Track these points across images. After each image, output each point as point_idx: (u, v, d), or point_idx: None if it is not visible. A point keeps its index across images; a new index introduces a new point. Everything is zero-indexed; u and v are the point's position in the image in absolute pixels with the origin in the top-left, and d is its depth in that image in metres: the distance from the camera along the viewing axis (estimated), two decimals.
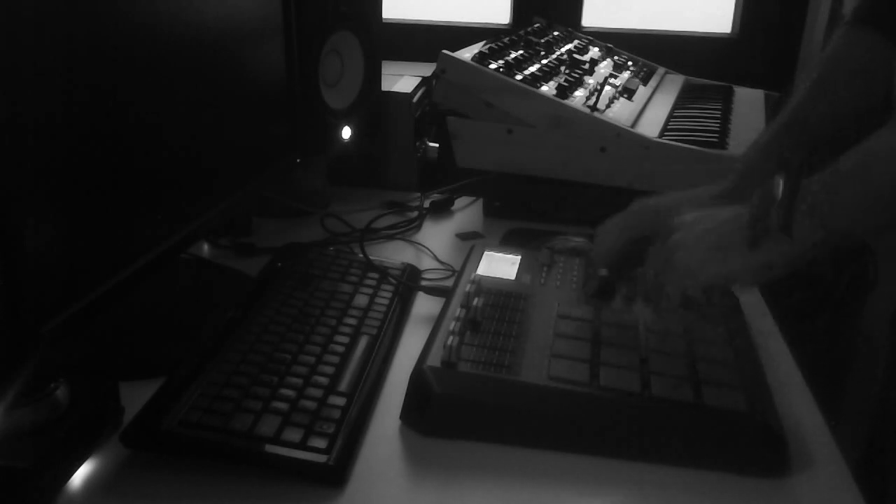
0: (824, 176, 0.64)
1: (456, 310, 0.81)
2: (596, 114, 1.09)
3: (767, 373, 0.77)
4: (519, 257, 0.94)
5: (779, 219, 0.64)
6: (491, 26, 1.75)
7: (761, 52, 1.70)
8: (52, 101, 0.62)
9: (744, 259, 0.67)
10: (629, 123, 1.11)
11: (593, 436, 0.69)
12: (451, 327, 0.76)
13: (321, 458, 0.64)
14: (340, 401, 0.70)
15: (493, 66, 1.13)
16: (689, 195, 0.82)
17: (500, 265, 0.92)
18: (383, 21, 1.20)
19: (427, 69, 1.30)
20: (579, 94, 1.15)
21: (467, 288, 0.84)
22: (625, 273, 0.83)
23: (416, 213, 1.18)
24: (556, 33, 1.46)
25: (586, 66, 1.29)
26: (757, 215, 0.65)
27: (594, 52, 1.44)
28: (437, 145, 1.31)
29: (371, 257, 0.96)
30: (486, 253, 0.95)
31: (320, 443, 0.65)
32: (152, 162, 0.76)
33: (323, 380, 0.72)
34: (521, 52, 1.24)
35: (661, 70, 1.48)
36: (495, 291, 0.85)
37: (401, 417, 0.72)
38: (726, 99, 1.35)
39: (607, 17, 1.75)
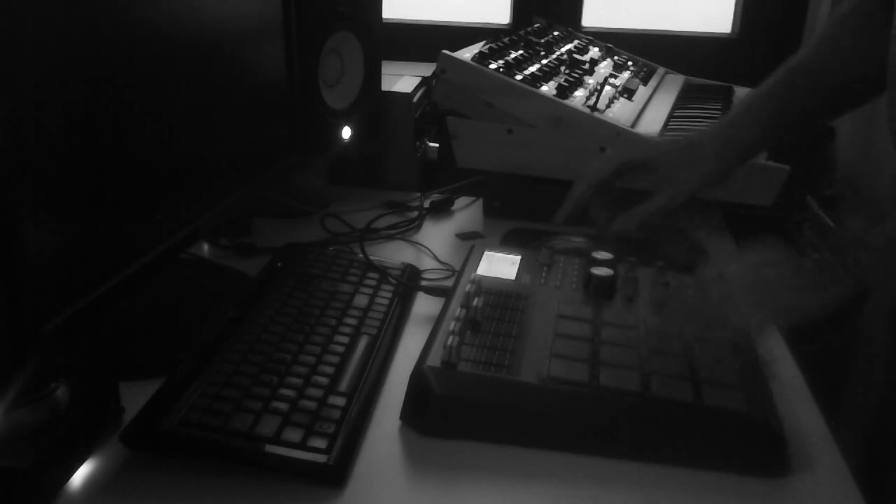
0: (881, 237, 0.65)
1: (456, 310, 0.81)
2: (596, 114, 1.09)
3: (767, 373, 0.77)
4: (519, 257, 0.94)
5: (838, 258, 0.64)
6: (491, 26, 1.75)
7: (761, 52, 1.69)
8: (51, 101, 0.62)
9: (799, 301, 0.68)
10: (629, 123, 1.11)
11: (593, 436, 0.69)
12: (451, 327, 0.76)
13: (321, 458, 0.64)
14: (340, 401, 0.70)
15: (493, 66, 1.12)
16: (677, 139, 0.85)
17: (500, 265, 0.92)
18: (383, 21, 1.20)
19: (427, 69, 1.30)
20: (579, 94, 1.15)
21: (467, 288, 0.84)
22: (605, 200, 0.85)
23: (416, 213, 1.18)
24: (556, 33, 1.46)
25: (586, 66, 1.29)
26: (804, 245, 0.67)
27: (594, 52, 1.44)
28: (437, 145, 1.31)
29: (371, 257, 0.96)
30: (486, 253, 0.95)
31: (320, 443, 0.65)
32: (152, 162, 0.76)
33: (323, 380, 0.72)
34: (521, 52, 1.24)
35: (661, 70, 1.48)
36: (495, 291, 0.85)
37: (401, 417, 0.72)
38: (726, 99, 1.35)
39: (607, 17, 1.74)
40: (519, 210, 1.16)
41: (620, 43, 1.52)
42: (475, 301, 0.80)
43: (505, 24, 1.75)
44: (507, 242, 1.08)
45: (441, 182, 1.25)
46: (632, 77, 1.31)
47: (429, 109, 1.32)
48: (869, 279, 0.64)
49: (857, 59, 0.83)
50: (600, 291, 0.85)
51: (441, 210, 1.21)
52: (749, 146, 0.87)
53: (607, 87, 1.18)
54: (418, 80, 1.30)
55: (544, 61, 1.25)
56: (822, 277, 0.66)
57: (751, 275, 0.71)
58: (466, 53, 1.14)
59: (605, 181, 0.87)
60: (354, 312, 0.85)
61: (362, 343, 0.80)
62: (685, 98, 1.35)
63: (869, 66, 0.80)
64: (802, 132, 0.73)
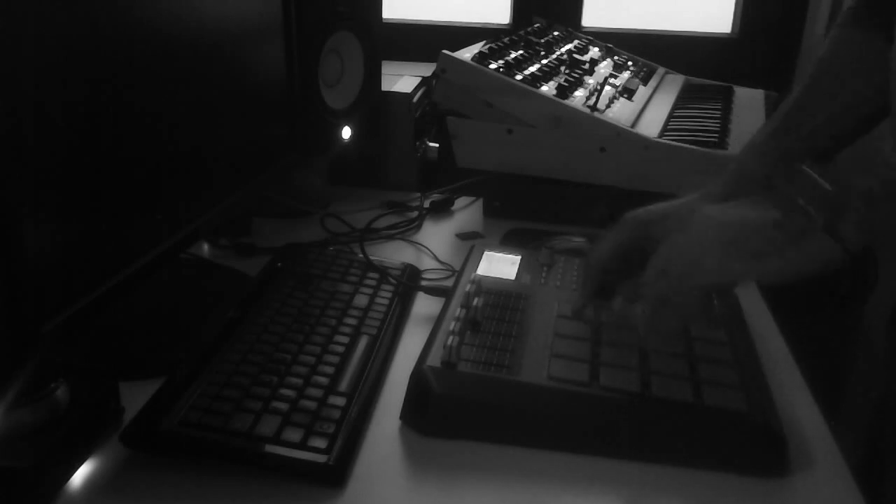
0: (882, 185, 0.62)
1: (456, 310, 0.81)
2: (596, 114, 1.09)
3: (767, 373, 0.77)
4: (519, 257, 0.94)
5: (825, 218, 0.62)
6: (491, 26, 1.75)
7: (761, 52, 1.70)
8: (51, 101, 0.62)
9: (778, 259, 0.65)
10: (629, 123, 1.11)
11: (593, 436, 0.69)
12: (451, 327, 0.76)
13: (321, 458, 0.64)
14: (340, 401, 0.70)
15: (493, 66, 1.12)
16: (679, 203, 0.80)
17: (500, 265, 0.92)
18: (383, 21, 1.20)
19: (427, 69, 1.30)
20: (579, 94, 1.15)
21: (467, 288, 0.84)
22: (619, 281, 0.82)
23: (416, 213, 1.18)
24: (556, 33, 1.46)
25: (586, 66, 1.29)
26: (795, 211, 0.63)
27: (594, 52, 1.44)
28: (437, 145, 1.31)
29: (371, 257, 0.96)
30: (486, 253, 0.95)
31: (320, 443, 0.65)
32: (152, 162, 0.76)
33: (323, 380, 0.72)
34: (521, 52, 1.24)
35: (661, 70, 1.48)
36: (495, 291, 0.85)
37: (401, 417, 0.72)
38: (726, 99, 1.35)
39: (607, 17, 1.75)
40: (519, 210, 1.16)
41: (620, 43, 1.52)
42: (475, 301, 0.80)
43: (505, 24, 1.75)
44: (507, 242, 1.08)
45: (441, 182, 1.25)
46: (632, 77, 1.31)
47: (429, 109, 1.32)
48: (869, 243, 0.61)
49: (848, 104, 0.82)
50: (600, 292, 0.85)
51: (441, 210, 1.21)
52: None
53: (607, 87, 1.18)
54: (418, 80, 1.30)
55: (544, 61, 1.25)
56: (806, 237, 0.63)
57: (728, 223, 0.67)
58: (466, 53, 1.14)
59: (609, 264, 0.81)
60: (354, 312, 0.85)
61: (362, 343, 0.80)
62: (685, 98, 1.35)
63: (869, 98, 0.79)
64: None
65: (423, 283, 0.98)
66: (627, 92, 1.22)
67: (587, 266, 0.81)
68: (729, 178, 0.82)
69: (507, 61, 1.16)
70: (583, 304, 0.81)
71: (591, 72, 1.28)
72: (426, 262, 1.05)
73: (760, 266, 0.65)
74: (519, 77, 1.12)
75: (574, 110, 1.08)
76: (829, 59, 0.84)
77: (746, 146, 0.86)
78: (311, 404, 0.69)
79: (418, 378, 0.71)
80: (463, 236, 1.13)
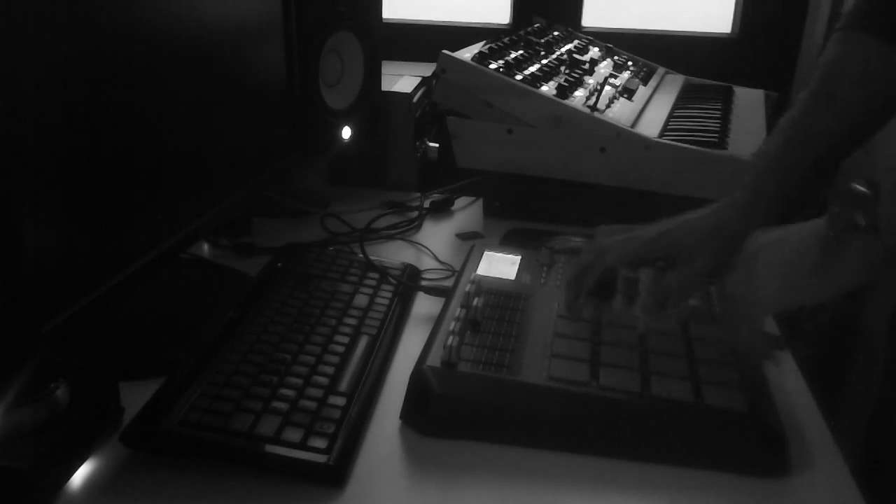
0: None
1: (456, 310, 0.81)
2: (596, 114, 1.09)
3: (767, 373, 0.77)
4: (519, 257, 0.94)
5: (867, 219, 0.62)
6: (491, 26, 1.75)
7: (761, 52, 1.69)
8: (51, 101, 0.62)
9: (826, 281, 0.65)
10: (629, 123, 1.11)
11: (593, 436, 0.69)
12: (451, 327, 0.76)
13: (321, 458, 0.64)
14: (340, 401, 0.70)
15: (493, 66, 1.12)
16: (704, 216, 0.80)
17: (500, 265, 0.92)
18: (383, 21, 1.20)
19: (427, 69, 1.31)
20: (579, 94, 1.15)
21: (467, 288, 0.84)
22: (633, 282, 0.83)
23: (416, 213, 1.18)
24: (556, 33, 1.46)
25: (586, 66, 1.29)
26: (839, 217, 0.63)
27: (594, 52, 1.44)
28: (437, 145, 1.31)
29: (371, 257, 0.96)
30: (486, 253, 0.95)
31: (320, 443, 0.65)
32: (152, 162, 0.76)
33: (323, 380, 0.72)
34: (521, 52, 1.24)
35: (661, 70, 1.48)
36: (495, 291, 0.85)
37: (401, 417, 0.72)
38: (726, 99, 1.35)
39: (607, 17, 1.75)
40: (519, 210, 1.16)
41: (620, 43, 1.52)
42: (475, 301, 0.80)
43: (505, 24, 1.75)
44: (507, 242, 1.08)
45: (441, 182, 1.25)
46: (632, 77, 1.31)
47: (429, 109, 1.31)
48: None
49: (855, 111, 0.81)
50: (600, 291, 0.85)
51: (441, 210, 1.21)
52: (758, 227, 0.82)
53: (607, 87, 1.18)
54: (418, 80, 1.30)
55: (544, 61, 1.25)
56: (856, 246, 0.63)
57: (777, 255, 0.68)
58: (466, 53, 1.14)
59: (623, 267, 0.82)
60: (354, 312, 0.85)
61: (362, 343, 0.80)
62: (685, 98, 1.35)
63: (876, 102, 0.78)
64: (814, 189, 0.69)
65: (423, 283, 0.98)
66: (627, 92, 1.22)
67: (596, 260, 0.81)
68: (752, 190, 0.80)
69: (507, 61, 1.16)
70: (575, 297, 0.81)
71: (591, 72, 1.28)
72: (426, 262, 1.05)
73: (827, 285, 0.66)
74: (519, 77, 1.12)
75: (574, 110, 1.08)
76: (830, 66, 0.83)
77: (760, 155, 0.85)
78: (311, 404, 0.69)
79: (418, 378, 0.71)
80: (463, 236, 1.13)
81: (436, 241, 1.11)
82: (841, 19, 0.84)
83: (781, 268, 0.67)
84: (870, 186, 0.62)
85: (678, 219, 0.79)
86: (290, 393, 0.69)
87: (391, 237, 1.12)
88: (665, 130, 1.14)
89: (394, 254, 1.05)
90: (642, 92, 1.27)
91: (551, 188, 1.12)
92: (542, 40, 1.37)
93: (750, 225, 0.78)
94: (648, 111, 1.22)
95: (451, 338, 0.73)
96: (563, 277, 0.90)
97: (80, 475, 0.64)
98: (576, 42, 1.46)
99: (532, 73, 1.15)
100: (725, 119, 1.23)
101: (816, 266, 0.65)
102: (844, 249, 0.63)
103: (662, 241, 0.79)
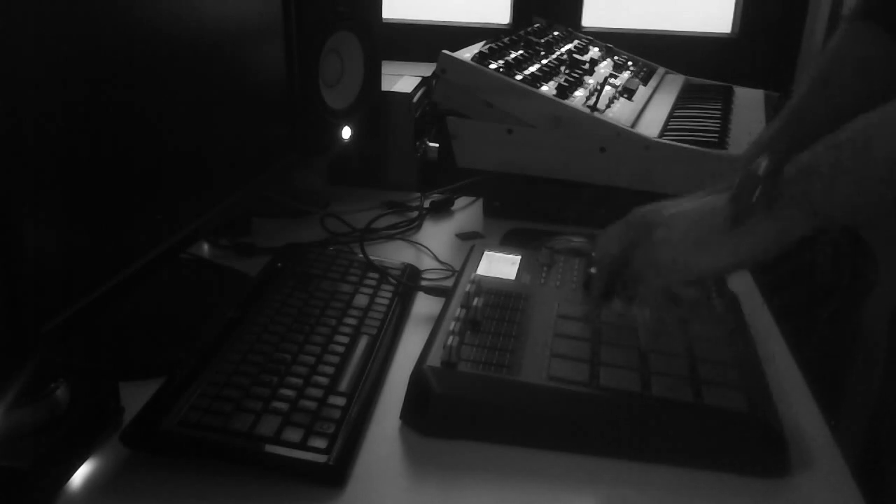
0: (812, 158, 0.62)
1: (456, 310, 0.81)
2: (596, 114, 1.09)
3: (767, 373, 0.77)
4: (519, 257, 0.94)
5: (762, 196, 0.62)
6: (491, 26, 1.75)
7: (761, 52, 1.70)
8: (51, 101, 0.62)
9: (732, 248, 0.65)
10: (629, 123, 1.11)
11: (593, 436, 0.69)
12: (451, 327, 0.76)
13: (321, 458, 0.64)
14: (340, 401, 0.70)
15: (493, 66, 1.12)
16: (680, 202, 0.80)
17: (500, 265, 0.92)
18: (383, 21, 1.20)
19: (427, 69, 1.31)
20: (579, 94, 1.15)
21: (467, 288, 0.84)
22: (623, 280, 0.82)
23: (416, 213, 1.18)
24: (556, 33, 1.46)
25: (586, 66, 1.29)
26: (739, 194, 0.64)
27: (594, 52, 1.44)
28: (437, 145, 1.31)
29: (371, 257, 0.96)
30: (486, 253, 0.95)
31: (320, 443, 0.65)
32: (152, 162, 0.76)
33: (323, 380, 0.72)
34: (521, 52, 1.24)
35: (661, 70, 1.48)
36: (495, 291, 0.85)
37: (401, 417, 0.72)
38: (726, 99, 1.35)
39: (607, 17, 1.75)
40: (519, 210, 1.16)
41: (620, 43, 1.52)
42: (475, 301, 0.80)
43: (505, 24, 1.75)
44: (507, 242, 1.08)
45: (441, 182, 1.25)
46: (632, 77, 1.31)
47: (429, 109, 1.31)
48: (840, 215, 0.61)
49: (853, 100, 0.81)
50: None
51: (441, 210, 1.21)
52: None
53: (607, 87, 1.18)
54: (418, 80, 1.30)
55: (544, 61, 1.25)
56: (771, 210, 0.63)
57: (683, 215, 0.68)
58: (466, 53, 1.14)
59: (615, 264, 0.82)
60: (354, 312, 0.85)
61: (362, 343, 0.80)
62: (685, 98, 1.35)
63: (872, 96, 0.78)
64: None
65: (423, 283, 0.98)
66: (627, 92, 1.22)
67: (595, 266, 0.81)
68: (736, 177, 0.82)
69: (507, 61, 1.16)
70: (594, 306, 0.80)
71: (591, 72, 1.28)
72: (426, 262, 1.05)
73: (715, 260, 0.66)
74: (519, 77, 1.12)
75: (574, 110, 1.09)
76: (832, 55, 0.83)
77: (752, 144, 0.86)
78: (311, 404, 0.69)
79: (418, 378, 0.71)
80: (463, 236, 1.13)
81: (436, 241, 1.11)
82: (849, 9, 0.84)
83: (682, 237, 0.67)
84: (768, 167, 0.63)
85: (659, 204, 0.78)
86: (290, 393, 0.69)
87: (391, 237, 1.12)
88: (665, 130, 1.14)
89: (394, 254, 1.05)
90: (642, 92, 1.27)
91: (551, 188, 1.12)
92: (542, 40, 1.37)
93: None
94: (648, 111, 1.22)
95: (451, 338, 0.73)
96: (564, 278, 0.90)
97: (80, 475, 0.64)
98: (576, 42, 1.46)
99: (532, 73, 1.15)
100: (725, 119, 1.23)
101: (714, 237, 0.65)
102: (741, 225, 0.64)
103: (644, 229, 0.75)
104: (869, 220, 0.90)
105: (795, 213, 0.62)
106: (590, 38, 1.51)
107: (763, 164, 0.63)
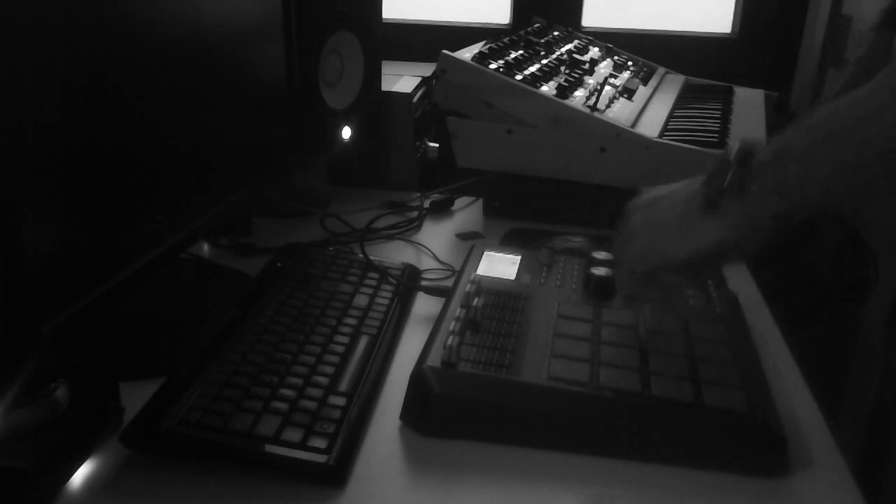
0: (785, 142, 0.62)
1: (456, 310, 0.81)
2: (596, 114, 1.09)
3: (767, 373, 0.77)
4: (519, 257, 0.94)
5: (734, 179, 0.62)
6: (491, 26, 1.75)
7: (761, 52, 1.70)
8: (52, 101, 0.62)
9: (706, 231, 0.66)
10: (629, 123, 1.11)
11: (593, 436, 0.69)
12: (451, 327, 0.76)
13: (321, 458, 0.64)
14: (340, 401, 0.70)
15: (493, 66, 1.13)
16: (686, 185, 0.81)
17: (500, 265, 0.92)
18: (383, 21, 1.20)
19: (427, 69, 1.31)
20: (579, 94, 1.15)
21: (467, 288, 0.84)
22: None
23: (416, 213, 1.18)
24: (556, 33, 1.46)
25: (586, 66, 1.29)
26: (712, 178, 0.64)
27: (594, 52, 1.44)
28: (437, 145, 1.32)
29: (371, 257, 0.96)
30: (486, 253, 0.95)
31: (320, 443, 0.65)
32: (152, 162, 0.76)
33: (323, 380, 0.72)
34: (521, 52, 1.24)
35: (661, 70, 1.48)
36: (495, 291, 0.85)
37: (401, 417, 0.72)
38: (726, 99, 1.35)
39: (607, 17, 1.75)
40: (519, 210, 1.16)
41: (620, 43, 1.52)
42: (475, 301, 0.80)
43: (505, 24, 1.75)
44: (507, 242, 1.08)
45: (441, 182, 1.25)
46: (632, 77, 1.31)
47: (429, 109, 1.32)
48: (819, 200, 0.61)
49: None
50: (600, 291, 0.85)
51: (441, 210, 1.21)
52: None
53: (607, 87, 1.18)
54: (418, 80, 1.30)
55: (544, 61, 1.25)
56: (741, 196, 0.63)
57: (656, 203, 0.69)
58: (466, 53, 1.14)
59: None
60: (354, 312, 0.85)
61: (362, 343, 0.80)
62: (685, 98, 1.35)
63: None
64: None
65: (423, 283, 0.98)
66: (627, 92, 1.22)
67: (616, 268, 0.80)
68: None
69: (507, 61, 1.16)
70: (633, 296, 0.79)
71: (591, 72, 1.28)
72: (426, 262, 1.05)
73: (688, 247, 0.66)
74: (519, 77, 1.12)
75: (574, 110, 1.09)
76: (860, 62, 0.83)
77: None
78: (311, 404, 0.69)
79: (418, 378, 0.71)
80: (463, 236, 1.13)
81: (436, 241, 1.11)
82: (876, 18, 0.83)
83: (659, 221, 0.68)
84: (740, 151, 0.63)
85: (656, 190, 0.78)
86: (290, 393, 0.69)
87: (391, 237, 1.12)
88: (665, 130, 1.14)
89: (394, 254, 1.05)
90: (642, 92, 1.27)
91: (551, 188, 1.13)
92: (542, 40, 1.37)
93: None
94: (648, 111, 1.22)
95: (451, 338, 0.73)
96: (564, 278, 0.90)
97: (80, 475, 0.64)
98: (576, 42, 1.46)
99: (532, 73, 1.15)
100: (725, 119, 1.23)
101: (689, 221, 0.66)
102: (715, 208, 0.64)
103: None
104: (848, 204, 0.89)
105: (768, 197, 0.62)
106: (590, 38, 1.51)
107: (735, 148, 0.64)
